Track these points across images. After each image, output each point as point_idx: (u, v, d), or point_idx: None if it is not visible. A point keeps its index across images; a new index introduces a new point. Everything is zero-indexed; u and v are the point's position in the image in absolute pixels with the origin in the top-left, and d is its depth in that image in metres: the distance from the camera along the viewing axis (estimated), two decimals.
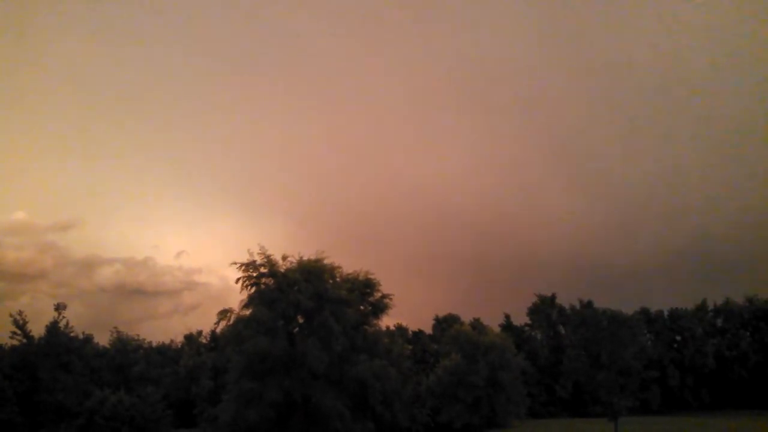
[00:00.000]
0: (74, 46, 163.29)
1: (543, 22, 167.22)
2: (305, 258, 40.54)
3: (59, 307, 58.57)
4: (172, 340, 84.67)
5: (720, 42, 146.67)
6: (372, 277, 43.22)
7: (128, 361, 74.20)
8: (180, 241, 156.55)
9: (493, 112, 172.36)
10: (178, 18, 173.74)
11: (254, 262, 39.94)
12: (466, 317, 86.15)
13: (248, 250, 40.04)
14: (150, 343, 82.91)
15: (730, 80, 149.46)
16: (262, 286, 39.71)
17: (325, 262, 40.91)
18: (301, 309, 38.50)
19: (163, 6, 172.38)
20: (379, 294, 43.16)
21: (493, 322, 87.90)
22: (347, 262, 43.66)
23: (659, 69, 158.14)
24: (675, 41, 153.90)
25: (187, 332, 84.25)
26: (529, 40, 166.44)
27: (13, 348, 57.18)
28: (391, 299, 43.61)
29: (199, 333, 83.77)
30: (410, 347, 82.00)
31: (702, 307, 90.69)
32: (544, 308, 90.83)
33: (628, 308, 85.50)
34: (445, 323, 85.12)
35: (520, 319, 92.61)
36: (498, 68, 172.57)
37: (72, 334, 59.66)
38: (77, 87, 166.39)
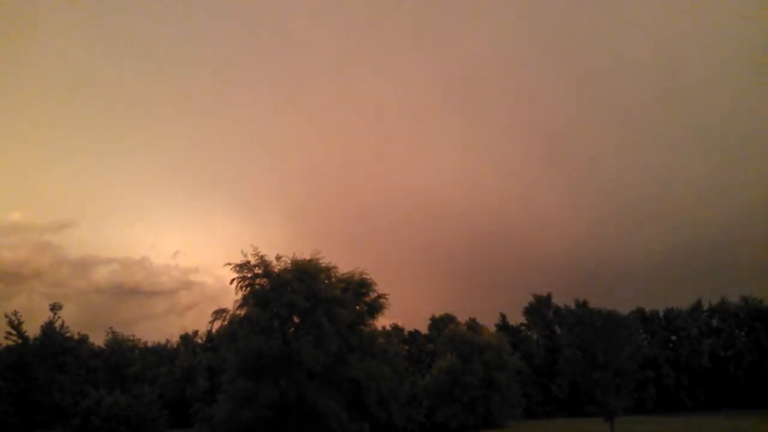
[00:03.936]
0: (73, 47, 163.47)
1: (539, 23, 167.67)
2: (300, 258, 40.47)
3: (55, 307, 58.48)
4: (168, 340, 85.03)
5: (717, 42, 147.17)
6: (367, 276, 43.01)
7: (124, 361, 74.42)
8: (176, 240, 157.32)
9: (488, 113, 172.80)
10: (176, 19, 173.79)
11: (248, 263, 39.84)
12: (462, 317, 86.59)
13: (242, 251, 39.99)
14: (146, 343, 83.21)
15: (726, 81, 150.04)
16: (257, 287, 39.63)
17: (320, 262, 40.81)
18: (296, 309, 38.42)
19: (161, 7, 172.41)
20: (375, 294, 42.93)
21: (489, 322, 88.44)
22: (343, 261, 43.44)
23: (655, 70, 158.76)
24: (671, 42, 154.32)
25: (183, 332, 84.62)
26: (525, 42, 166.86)
27: (8, 348, 57.11)
28: (386, 299, 43.37)
29: (195, 333, 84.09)
30: (406, 347, 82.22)
31: (697, 307, 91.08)
32: (539, 308, 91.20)
33: (624, 308, 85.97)
34: (441, 323, 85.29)
35: (516, 319, 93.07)
36: (494, 69, 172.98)
37: (67, 335, 59.60)
38: (74, 87, 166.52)
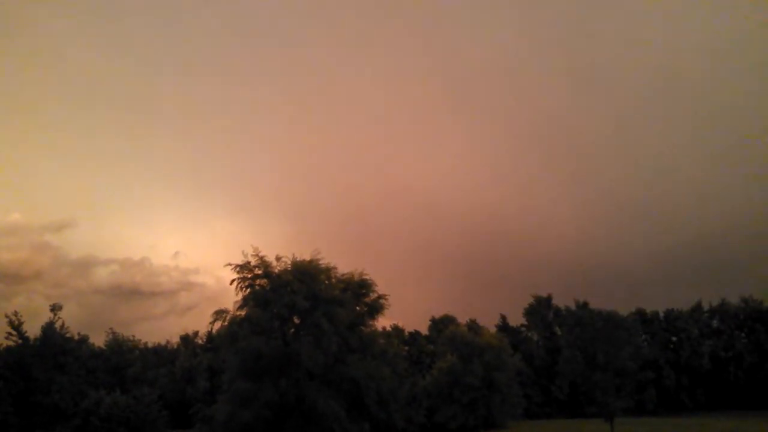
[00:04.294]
0: (71, 47, 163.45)
1: (538, 23, 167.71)
2: (299, 259, 40.53)
3: (55, 308, 58.44)
4: (167, 341, 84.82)
5: (715, 42, 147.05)
6: (367, 277, 43.20)
7: (124, 361, 74.35)
8: (176, 241, 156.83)
9: (486, 113, 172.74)
10: (176, 20, 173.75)
11: (248, 263, 39.89)
12: (462, 318, 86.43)
13: (242, 252, 40.04)
14: (146, 343, 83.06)
15: (726, 80, 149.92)
16: (257, 288, 39.68)
17: (320, 262, 40.88)
18: (296, 310, 38.46)
19: (161, 8, 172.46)
20: (375, 294, 43.10)
21: (489, 322, 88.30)
22: (342, 262, 43.68)
23: (654, 68, 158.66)
24: (669, 40, 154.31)
25: (183, 333, 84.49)
26: (521, 41, 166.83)
27: (8, 349, 57.02)
28: (386, 300, 43.58)
29: (195, 334, 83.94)
30: (406, 348, 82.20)
31: (697, 308, 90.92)
32: (540, 309, 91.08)
33: (624, 309, 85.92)
34: (441, 324, 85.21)
35: (517, 319, 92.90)
36: (491, 68, 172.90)
37: (67, 335, 59.56)
38: (73, 88, 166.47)
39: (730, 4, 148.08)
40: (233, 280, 39.65)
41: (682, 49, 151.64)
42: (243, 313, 39.09)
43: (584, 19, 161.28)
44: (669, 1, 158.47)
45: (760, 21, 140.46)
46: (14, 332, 56.50)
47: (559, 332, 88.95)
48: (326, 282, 40.51)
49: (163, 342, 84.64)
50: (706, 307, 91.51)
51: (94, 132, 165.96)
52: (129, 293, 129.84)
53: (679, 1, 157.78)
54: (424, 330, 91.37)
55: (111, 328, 79.74)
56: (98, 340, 79.00)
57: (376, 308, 43.06)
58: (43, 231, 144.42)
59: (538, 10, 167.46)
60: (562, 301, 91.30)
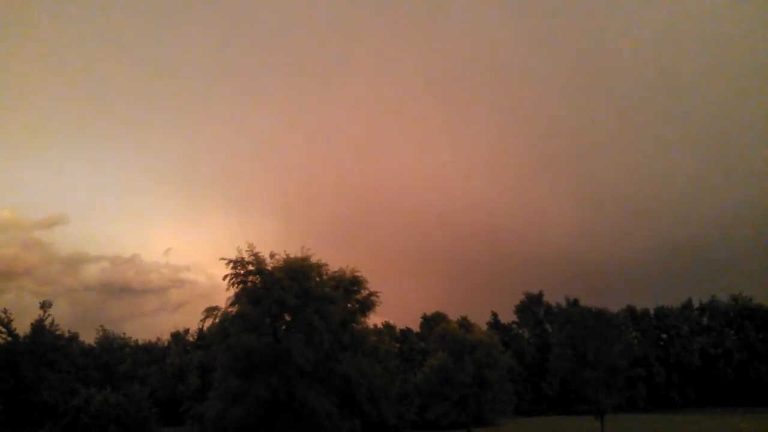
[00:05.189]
0: (66, 45, 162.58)
1: (531, 20, 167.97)
2: (291, 256, 40.44)
3: (45, 305, 58.25)
4: (158, 338, 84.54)
5: (711, 44, 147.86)
6: (358, 274, 43.12)
7: (114, 359, 73.92)
8: (167, 238, 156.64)
9: (482, 113, 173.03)
10: (168, 19, 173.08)
11: (242, 259, 39.76)
12: (454, 315, 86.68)
13: (237, 248, 39.90)
14: (136, 341, 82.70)
15: (720, 82, 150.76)
16: (249, 284, 39.56)
17: (311, 259, 40.80)
18: (287, 307, 38.38)
19: (154, 7, 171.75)
20: (366, 292, 43.00)
21: (480, 320, 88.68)
22: (334, 259, 43.54)
23: (649, 68, 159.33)
24: (666, 44, 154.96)
25: (174, 330, 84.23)
26: (519, 43, 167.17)
27: None
28: (378, 297, 43.50)
29: (186, 331, 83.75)
30: (398, 345, 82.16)
31: (688, 306, 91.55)
32: (531, 306, 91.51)
33: (615, 306, 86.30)
34: (433, 321, 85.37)
35: (508, 317, 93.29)
36: (489, 69, 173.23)
37: (57, 332, 59.33)
38: (65, 85, 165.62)
39: (730, 4, 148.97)
40: (226, 276, 39.50)
41: (681, 48, 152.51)
42: (234, 309, 38.94)
43: (583, 19, 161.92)
44: (668, 1, 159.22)
45: (760, 21, 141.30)
46: (3, 329, 56.28)
47: (549, 329, 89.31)
48: (317, 279, 40.43)
49: (153, 339, 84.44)
50: (696, 304, 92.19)
51: (85, 129, 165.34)
52: (120, 290, 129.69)
53: (678, 1, 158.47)
54: (415, 327, 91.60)
55: (101, 326, 79.21)
56: (88, 337, 78.58)
57: (367, 305, 42.98)
58: (33, 228, 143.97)
59: (537, 9, 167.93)
60: (553, 298, 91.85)
